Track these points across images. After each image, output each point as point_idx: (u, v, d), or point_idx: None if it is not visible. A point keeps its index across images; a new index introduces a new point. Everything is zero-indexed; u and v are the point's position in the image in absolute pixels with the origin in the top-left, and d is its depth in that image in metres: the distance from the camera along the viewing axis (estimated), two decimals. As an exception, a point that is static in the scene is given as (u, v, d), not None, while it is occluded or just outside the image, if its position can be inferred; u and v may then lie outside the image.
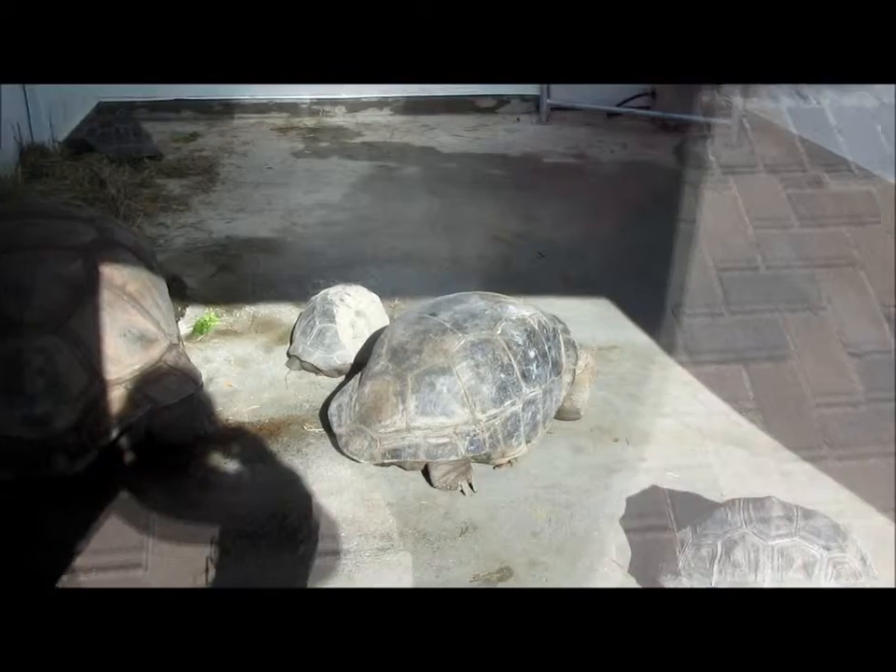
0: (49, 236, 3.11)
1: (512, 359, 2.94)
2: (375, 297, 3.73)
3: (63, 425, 2.75)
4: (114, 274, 3.05)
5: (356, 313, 3.56)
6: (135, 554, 2.58)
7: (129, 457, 2.97)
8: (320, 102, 7.28)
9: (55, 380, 2.77)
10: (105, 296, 2.97)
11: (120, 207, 4.94)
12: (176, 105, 7.03)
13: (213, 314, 3.92)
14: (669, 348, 3.75)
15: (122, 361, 2.91)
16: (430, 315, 3.04)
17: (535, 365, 2.99)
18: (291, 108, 7.24)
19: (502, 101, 7.41)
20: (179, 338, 3.35)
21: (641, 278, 4.32)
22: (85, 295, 2.94)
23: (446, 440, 2.86)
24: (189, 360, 3.23)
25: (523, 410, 2.94)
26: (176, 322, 3.47)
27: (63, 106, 6.05)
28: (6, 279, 2.88)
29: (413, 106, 7.33)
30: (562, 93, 7.16)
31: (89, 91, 6.73)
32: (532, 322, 3.07)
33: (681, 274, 4.24)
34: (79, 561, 2.52)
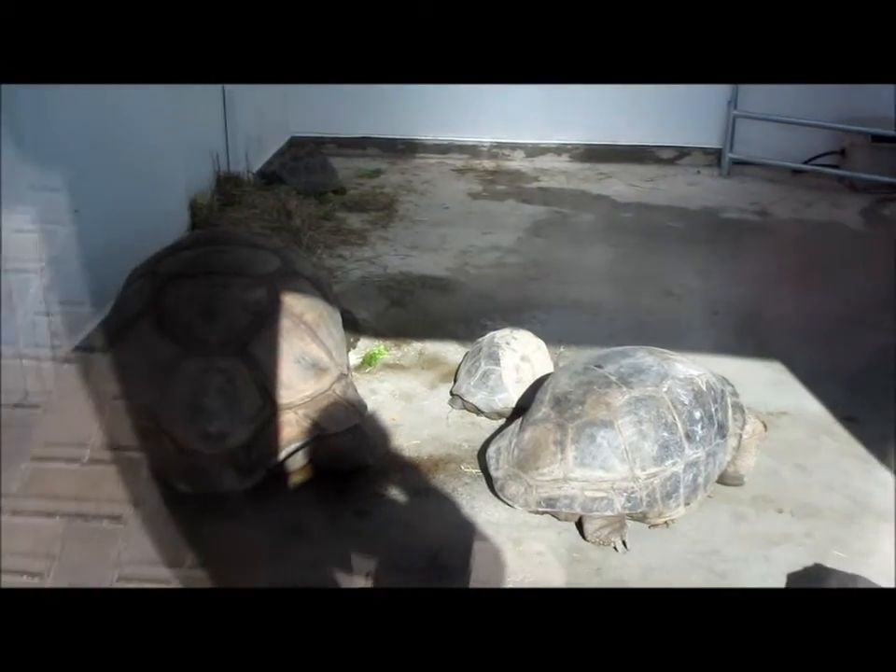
0: (238, 264, 3.30)
1: (677, 418, 2.89)
2: (541, 343, 3.75)
3: (236, 443, 2.89)
4: (293, 303, 3.19)
5: (521, 357, 3.58)
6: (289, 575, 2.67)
7: (293, 480, 3.09)
8: (500, 145, 7.39)
9: (232, 400, 2.92)
10: (284, 323, 3.11)
11: (304, 238, 5.16)
12: (363, 143, 7.29)
13: (382, 347, 4.03)
14: (844, 420, 3.57)
15: (295, 387, 3.03)
16: (596, 366, 3.03)
17: (700, 426, 2.92)
18: (471, 150, 7.38)
19: (683, 152, 7.30)
20: (349, 368, 3.46)
21: (819, 344, 4.16)
22: (266, 321, 3.09)
23: (603, 494, 2.83)
24: (356, 391, 3.33)
25: (684, 471, 2.87)
26: (347, 353, 3.58)
27: (259, 140, 6.39)
28: (197, 302, 3.06)
29: (591, 154, 7.33)
30: (745, 147, 7.01)
31: (283, 126, 7.09)
32: (700, 382, 3.00)
33: (863, 343, 4.06)
34: (235, 577, 2.62)
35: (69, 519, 2.66)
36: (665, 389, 2.93)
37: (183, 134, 4.96)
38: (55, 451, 2.78)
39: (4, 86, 3.05)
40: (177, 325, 3.02)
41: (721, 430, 3.01)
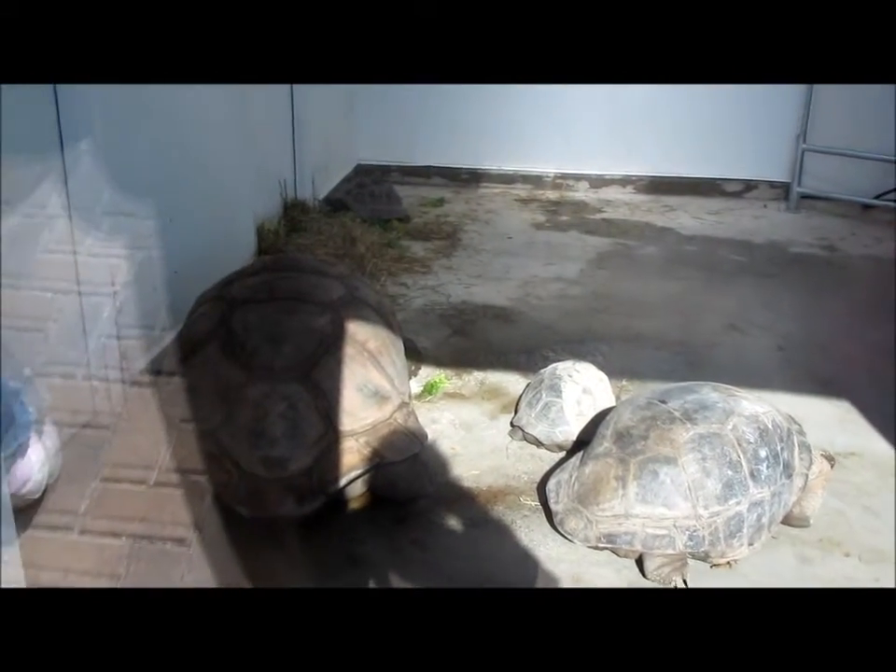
0: (303, 290, 3.33)
1: (742, 457, 2.84)
2: (603, 376, 3.72)
3: (297, 469, 2.91)
4: (357, 331, 3.21)
5: (583, 390, 3.56)
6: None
7: (351, 507, 3.10)
8: (564, 176, 7.39)
9: (294, 425, 2.94)
10: (348, 351, 3.13)
11: (367, 265, 5.21)
12: (427, 171, 7.36)
13: (443, 376, 4.03)
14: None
15: (357, 415, 3.04)
16: (660, 401, 3.00)
17: (765, 465, 2.87)
18: (535, 181, 7.39)
19: (750, 186, 7.23)
20: (410, 397, 3.47)
21: (889, 383, 4.06)
22: (329, 348, 3.11)
23: (664, 532, 2.79)
24: (417, 420, 3.34)
25: (748, 510, 2.82)
26: (409, 381, 3.60)
27: (326, 167, 6.49)
28: (262, 327, 3.10)
29: (656, 186, 7.30)
30: (814, 181, 6.91)
31: (350, 154, 7.19)
32: (766, 420, 2.95)
33: (935, 384, 3.96)
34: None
35: (134, 540, 2.70)
36: (730, 427, 2.88)
37: (252, 162, 5.06)
38: (122, 472, 2.84)
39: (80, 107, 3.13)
40: (243, 350, 3.06)
41: (787, 470, 2.95)
